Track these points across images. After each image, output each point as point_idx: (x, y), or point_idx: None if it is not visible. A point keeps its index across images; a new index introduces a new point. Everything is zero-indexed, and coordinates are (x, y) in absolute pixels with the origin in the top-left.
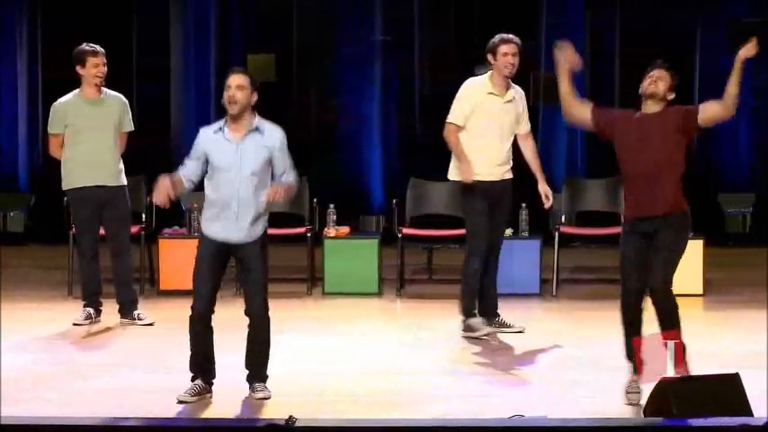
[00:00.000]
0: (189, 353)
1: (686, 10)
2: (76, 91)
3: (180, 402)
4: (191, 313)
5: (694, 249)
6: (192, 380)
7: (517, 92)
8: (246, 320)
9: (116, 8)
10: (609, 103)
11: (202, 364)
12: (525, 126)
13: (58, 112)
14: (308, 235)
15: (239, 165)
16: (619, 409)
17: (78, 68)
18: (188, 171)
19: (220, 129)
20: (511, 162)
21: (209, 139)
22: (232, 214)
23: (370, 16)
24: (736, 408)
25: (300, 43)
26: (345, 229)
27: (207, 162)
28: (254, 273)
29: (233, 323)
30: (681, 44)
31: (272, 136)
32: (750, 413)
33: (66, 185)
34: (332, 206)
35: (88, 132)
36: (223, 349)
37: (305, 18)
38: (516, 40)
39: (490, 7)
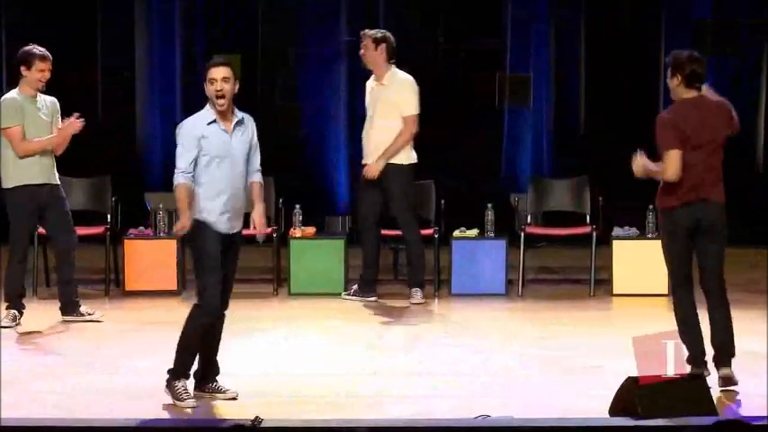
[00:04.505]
0: (149, 355)
1: (651, 5)
2: (16, 90)
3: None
4: (198, 310)
5: (661, 249)
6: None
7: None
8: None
9: (80, 7)
10: (574, 98)
11: (204, 367)
12: None
13: (14, 103)
14: (274, 236)
15: (234, 154)
16: (583, 409)
17: (22, 69)
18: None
19: (214, 120)
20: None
21: (204, 129)
22: (225, 203)
23: (336, 17)
24: (702, 407)
25: (266, 43)
26: (311, 230)
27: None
28: (231, 270)
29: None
30: (646, 38)
31: (250, 127)
32: (715, 413)
33: None
34: (298, 206)
35: (31, 132)
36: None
37: (271, 18)
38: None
39: (454, 5)
